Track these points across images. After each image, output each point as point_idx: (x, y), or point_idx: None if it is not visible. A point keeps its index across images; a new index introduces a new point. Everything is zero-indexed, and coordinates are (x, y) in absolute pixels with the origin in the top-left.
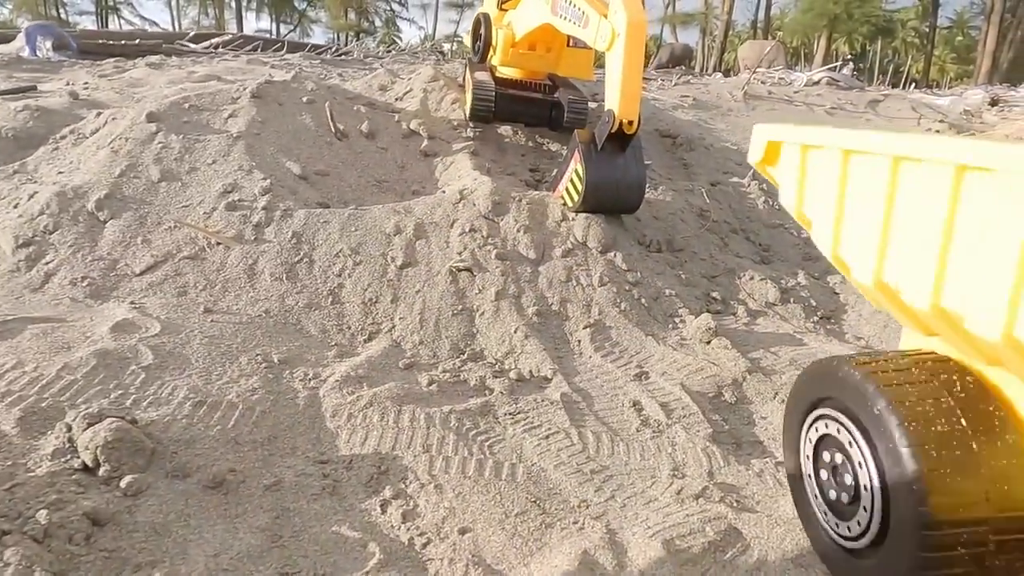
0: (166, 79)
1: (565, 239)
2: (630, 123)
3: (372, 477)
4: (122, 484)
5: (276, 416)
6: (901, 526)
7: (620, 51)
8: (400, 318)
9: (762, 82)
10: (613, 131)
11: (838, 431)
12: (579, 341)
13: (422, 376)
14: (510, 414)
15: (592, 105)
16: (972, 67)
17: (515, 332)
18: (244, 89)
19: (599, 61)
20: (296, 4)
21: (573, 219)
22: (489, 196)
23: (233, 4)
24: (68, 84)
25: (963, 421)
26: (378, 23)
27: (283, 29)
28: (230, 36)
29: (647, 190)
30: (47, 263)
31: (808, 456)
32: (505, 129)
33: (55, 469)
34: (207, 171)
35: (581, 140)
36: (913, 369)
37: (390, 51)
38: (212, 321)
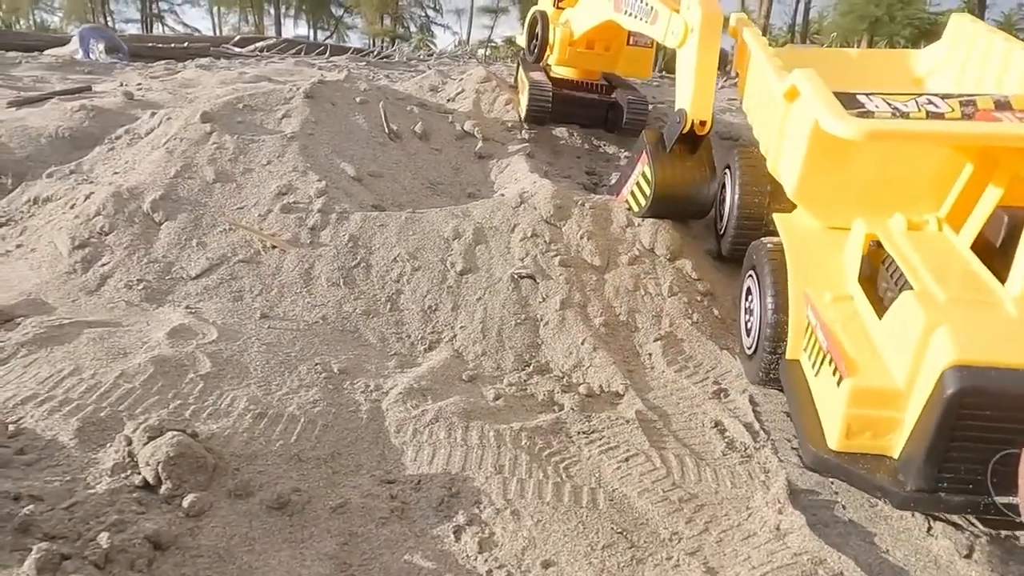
0: (217, 80)
1: (631, 246)
2: (703, 123)
3: (443, 500)
4: (184, 504)
5: (338, 430)
6: None
7: (694, 47)
8: (461, 327)
9: None
10: (685, 132)
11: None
12: (650, 354)
13: (487, 389)
14: (583, 433)
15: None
16: None
17: (582, 343)
18: (297, 89)
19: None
20: (333, 10)
21: (639, 225)
22: (550, 200)
23: (272, 11)
24: (122, 85)
25: None
26: (413, 28)
27: (320, 35)
28: (274, 40)
29: None
30: (103, 265)
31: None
32: (560, 131)
33: (115, 486)
34: (261, 172)
35: (649, 141)
36: None
37: (431, 55)
38: (269, 328)
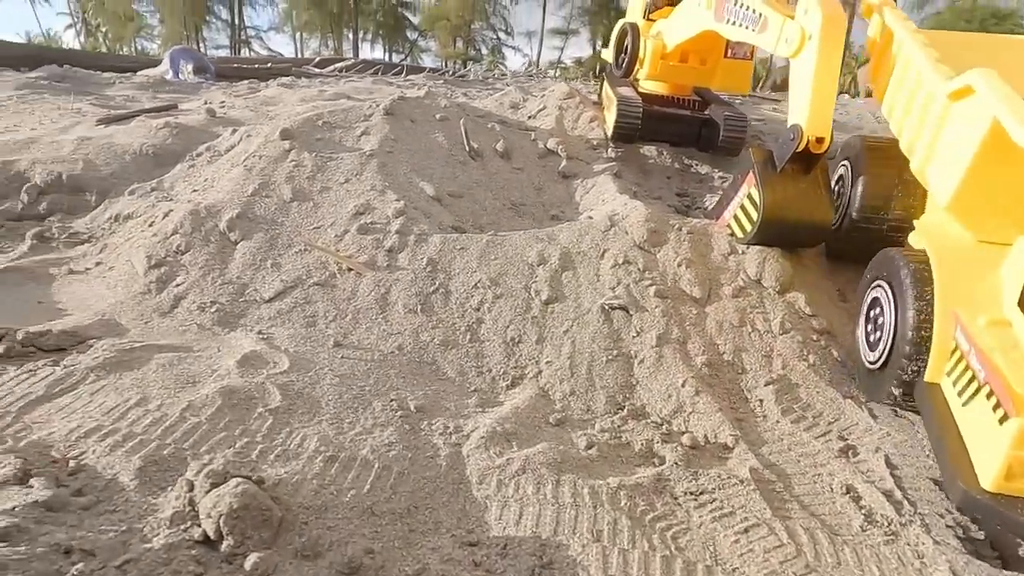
0: (297, 98)
1: (735, 276)
2: (819, 140)
3: (534, 571)
4: (247, 566)
5: (415, 479)
6: None
7: (812, 55)
8: (547, 362)
9: None
10: (799, 150)
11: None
12: (761, 400)
13: (578, 436)
14: (691, 493)
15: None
16: None
17: (682, 385)
18: (377, 106)
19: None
20: (408, 34)
21: (743, 252)
22: (643, 224)
23: (350, 35)
24: (206, 103)
25: None
26: (484, 51)
27: (395, 57)
28: (352, 61)
29: None
30: (177, 285)
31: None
32: (648, 149)
33: (173, 540)
34: (339, 191)
35: (756, 160)
36: None
37: (504, 75)
38: (343, 357)
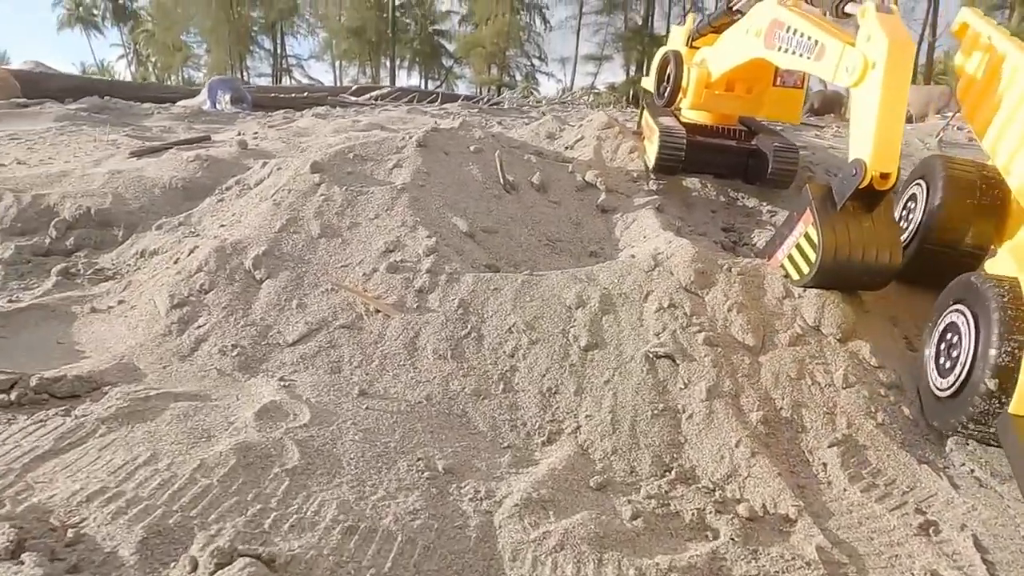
0: (331, 128)
1: (791, 322)
2: (885, 176)
3: None
4: None
5: (442, 554)
6: None
7: (877, 84)
8: (586, 416)
9: (959, 128)
10: (863, 186)
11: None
12: (824, 464)
13: (621, 503)
14: None
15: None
16: None
17: (736, 445)
18: (410, 138)
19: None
20: (444, 61)
21: (800, 296)
22: (690, 264)
23: (388, 63)
24: (240, 134)
25: None
26: (518, 77)
27: (431, 84)
28: (388, 89)
29: None
30: (199, 327)
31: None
32: (692, 181)
33: None
34: (369, 227)
35: (814, 196)
36: None
37: (539, 103)
38: (367, 408)
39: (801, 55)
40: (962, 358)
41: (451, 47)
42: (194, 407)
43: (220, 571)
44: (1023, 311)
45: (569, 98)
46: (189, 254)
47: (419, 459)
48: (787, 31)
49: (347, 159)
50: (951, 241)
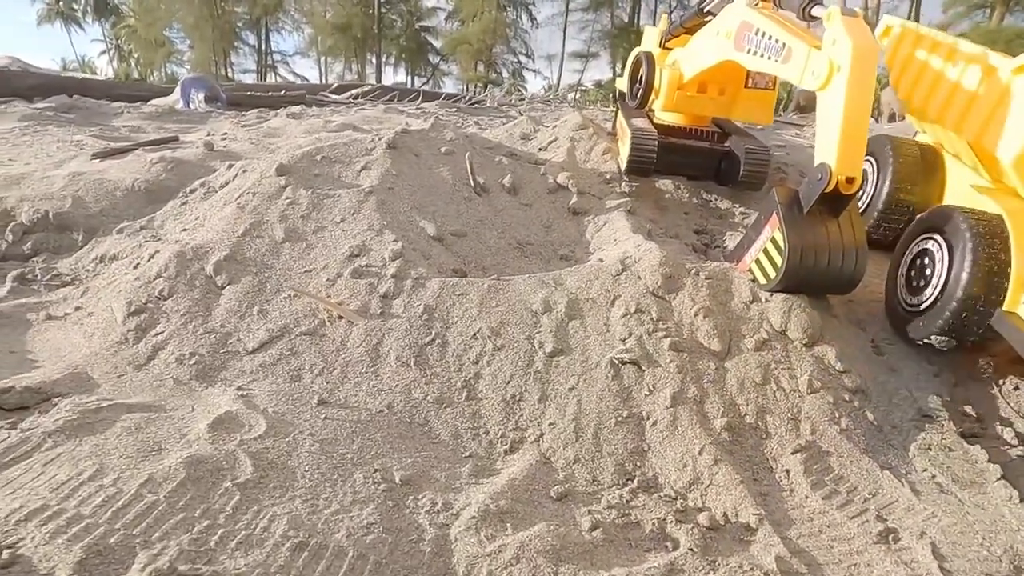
0: (302, 129)
1: (757, 326)
2: (849, 181)
3: None
4: None
5: (394, 570)
6: None
7: (841, 89)
8: (550, 423)
9: None
10: (828, 191)
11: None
12: (787, 471)
13: (581, 513)
14: None
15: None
16: None
17: (700, 453)
18: (379, 139)
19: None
20: (430, 58)
21: (767, 300)
22: (658, 268)
23: (373, 60)
24: (209, 134)
25: None
26: (505, 74)
27: (417, 81)
28: (369, 87)
29: None
30: (156, 335)
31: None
32: (665, 183)
33: None
34: (334, 231)
35: (781, 201)
36: None
37: (522, 99)
38: (326, 418)
39: (769, 58)
40: (937, 276)
41: (437, 44)
42: (147, 419)
43: None
44: (993, 235)
45: (553, 96)
46: (149, 259)
47: (376, 470)
48: (756, 33)
49: (314, 161)
50: (904, 202)
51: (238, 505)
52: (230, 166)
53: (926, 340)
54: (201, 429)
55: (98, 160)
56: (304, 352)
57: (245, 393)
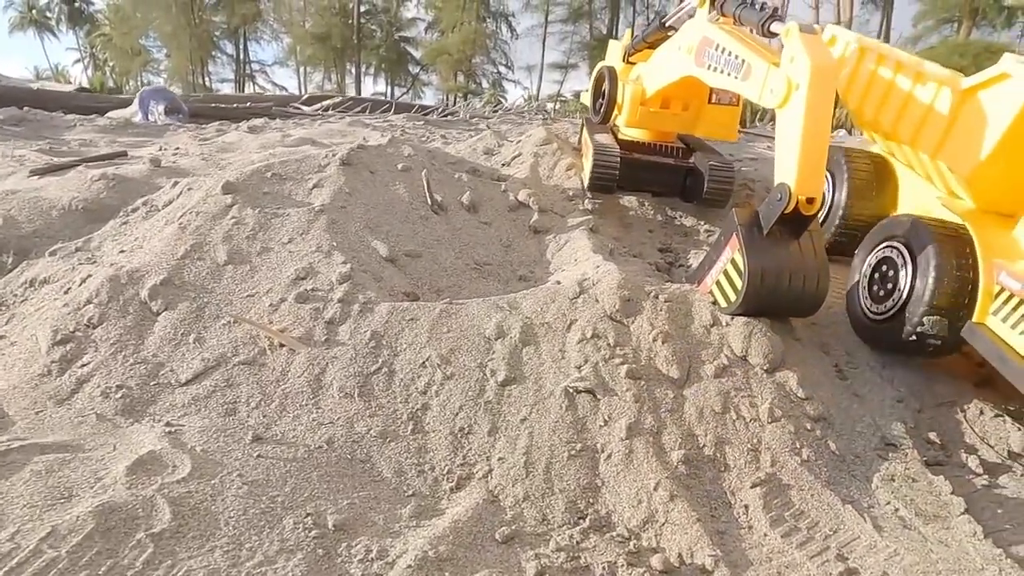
0: (258, 143)
1: (718, 352)
2: (810, 201)
3: None
4: None
5: None
6: None
7: (799, 107)
8: (499, 458)
9: None
10: (787, 211)
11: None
12: (746, 506)
13: (528, 558)
14: None
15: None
16: None
17: (655, 488)
18: (334, 155)
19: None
20: (410, 68)
21: (727, 324)
22: (616, 291)
23: (353, 70)
24: (161, 149)
25: None
26: (485, 84)
27: (397, 92)
28: (340, 98)
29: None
30: (82, 366)
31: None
32: (629, 200)
33: None
34: (280, 252)
35: (741, 221)
36: None
37: (496, 111)
38: (259, 456)
39: (729, 74)
40: (902, 284)
41: (417, 54)
42: (61, 460)
43: None
44: (954, 244)
45: (528, 108)
46: (81, 283)
47: (308, 515)
48: (716, 49)
49: (264, 179)
50: (864, 218)
51: (150, 559)
52: (175, 184)
53: (919, 329)
54: (119, 472)
55: (36, 177)
56: (241, 383)
57: (173, 429)
